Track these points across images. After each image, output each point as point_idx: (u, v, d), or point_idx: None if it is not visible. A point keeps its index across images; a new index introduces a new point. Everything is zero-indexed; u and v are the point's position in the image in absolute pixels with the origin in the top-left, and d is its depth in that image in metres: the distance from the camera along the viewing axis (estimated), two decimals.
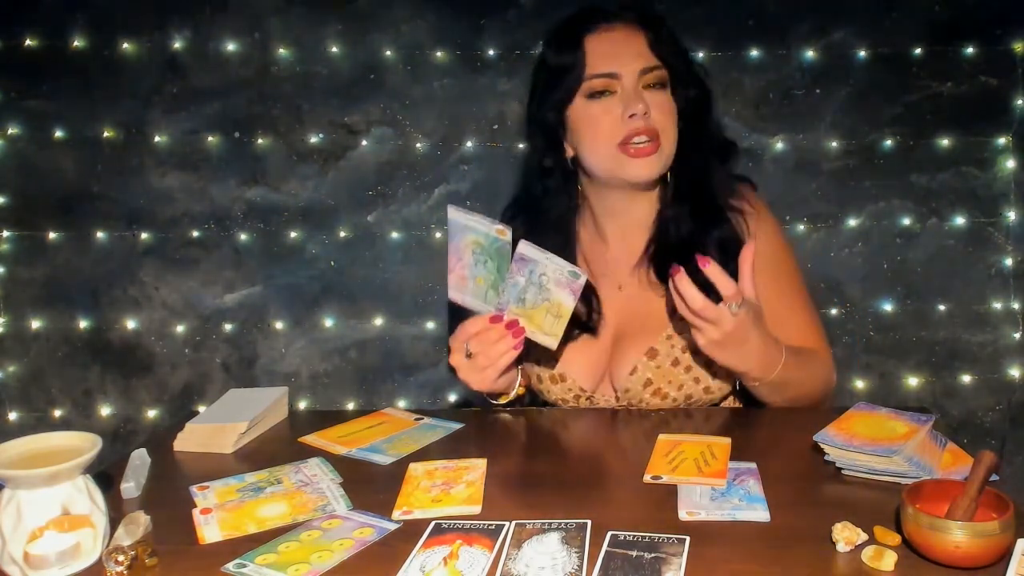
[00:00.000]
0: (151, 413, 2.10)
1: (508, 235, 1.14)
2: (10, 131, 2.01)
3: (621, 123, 1.21)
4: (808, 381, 1.22)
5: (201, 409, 1.28)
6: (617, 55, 1.23)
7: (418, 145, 2.00)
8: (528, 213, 1.36)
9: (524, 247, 1.13)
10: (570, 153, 1.29)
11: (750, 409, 1.28)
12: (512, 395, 1.25)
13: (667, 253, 1.25)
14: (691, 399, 1.24)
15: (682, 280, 1.07)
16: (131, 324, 2.07)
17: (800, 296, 1.30)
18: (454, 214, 1.16)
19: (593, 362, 1.28)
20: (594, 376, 1.28)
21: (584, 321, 1.29)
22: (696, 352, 1.19)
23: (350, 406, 2.08)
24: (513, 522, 0.85)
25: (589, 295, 1.32)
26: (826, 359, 1.28)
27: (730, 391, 1.28)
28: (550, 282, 1.13)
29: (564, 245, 1.32)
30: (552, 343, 1.16)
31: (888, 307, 1.97)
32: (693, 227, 1.25)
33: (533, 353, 1.24)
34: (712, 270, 1.07)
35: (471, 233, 1.15)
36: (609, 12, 1.27)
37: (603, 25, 1.25)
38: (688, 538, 0.81)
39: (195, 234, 2.04)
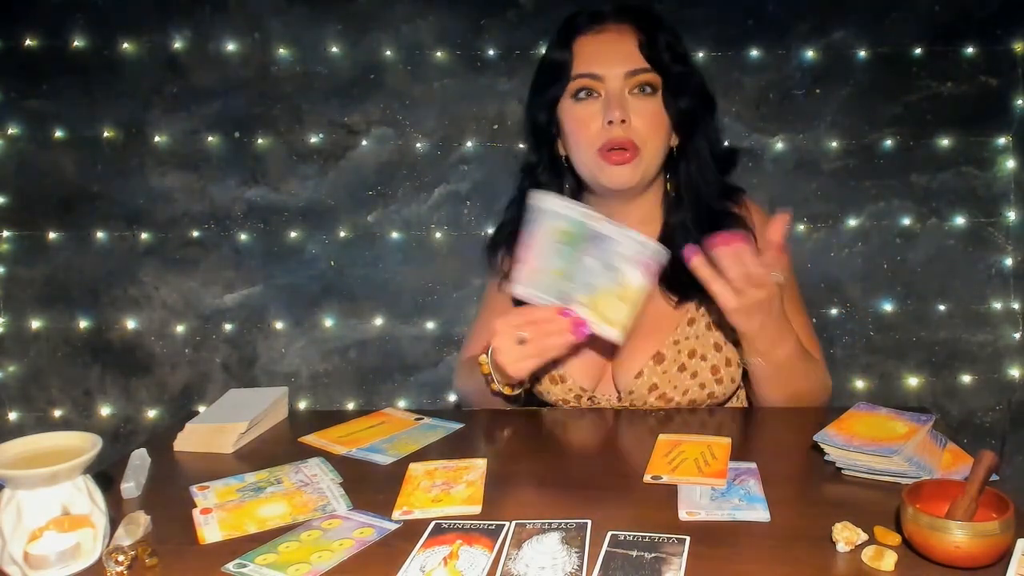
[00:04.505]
0: (151, 413, 2.10)
1: (604, 222, 1.08)
2: (10, 131, 2.01)
3: (601, 129, 1.20)
4: (806, 379, 1.22)
5: (201, 409, 1.28)
6: (603, 56, 1.22)
7: (418, 145, 2.00)
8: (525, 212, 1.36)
9: (599, 224, 1.07)
10: (563, 153, 1.29)
11: (750, 409, 1.29)
12: (518, 390, 1.24)
13: (676, 261, 1.25)
14: (694, 403, 1.24)
15: (737, 244, 1.06)
16: (131, 324, 2.07)
17: (799, 304, 1.30)
18: (546, 202, 1.09)
19: (592, 360, 1.27)
20: (594, 375, 1.27)
21: None
22: (721, 326, 1.21)
23: (350, 406, 2.08)
24: (513, 522, 0.85)
25: None
26: (822, 362, 1.28)
27: (732, 393, 1.28)
28: (621, 260, 1.07)
29: None
30: (615, 335, 1.10)
31: (888, 307, 1.97)
32: (700, 235, 1.24)
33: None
34: (741, 248, 1.06)
35: (560, 221, 1.09)
36: (604, 13, 1.25)
37: (596, 26, 1.24)
38: (688, 538, 0.81)
39: (195, 234, 2.04)
